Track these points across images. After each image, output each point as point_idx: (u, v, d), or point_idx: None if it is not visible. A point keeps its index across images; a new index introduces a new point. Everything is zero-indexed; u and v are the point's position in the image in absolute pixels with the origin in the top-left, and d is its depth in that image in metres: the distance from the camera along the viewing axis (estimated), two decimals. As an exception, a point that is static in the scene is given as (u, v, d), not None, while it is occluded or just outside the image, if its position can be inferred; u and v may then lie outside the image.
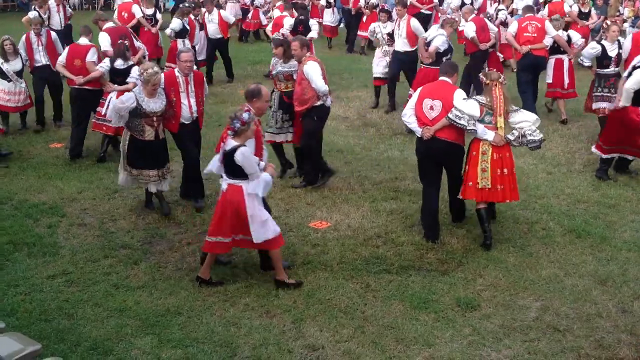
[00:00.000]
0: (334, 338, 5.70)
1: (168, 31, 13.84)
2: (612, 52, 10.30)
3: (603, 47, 10.33)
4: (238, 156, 6.12)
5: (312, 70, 8.48)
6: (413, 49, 12.22)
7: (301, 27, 14.21)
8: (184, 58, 8.07)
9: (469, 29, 12.66)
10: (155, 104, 7.76)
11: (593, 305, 6.14)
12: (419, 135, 7.38)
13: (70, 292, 6.44)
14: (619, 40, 10.37)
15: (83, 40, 10.61)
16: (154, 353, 5.52)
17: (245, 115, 6.21)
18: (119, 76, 10.05)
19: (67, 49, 10.69)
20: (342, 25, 20.54)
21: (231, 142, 6.22)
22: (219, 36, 15.00)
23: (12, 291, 6.44)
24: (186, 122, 8.13)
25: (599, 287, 6.45)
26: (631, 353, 5.46)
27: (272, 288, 6.47)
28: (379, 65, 12.82)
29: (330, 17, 19.64)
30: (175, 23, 13.88)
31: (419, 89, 7.72)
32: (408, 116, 7.50)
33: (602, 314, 6.02)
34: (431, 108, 7.28)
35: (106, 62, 10.15)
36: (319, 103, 8.64)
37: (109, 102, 9.68)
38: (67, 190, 8.88)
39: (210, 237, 6.39)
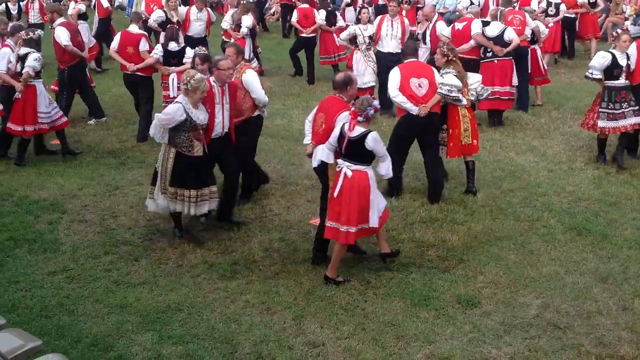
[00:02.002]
0: (335, 335, 5.70)
1: (244, 29, 13.28)
2: (622, 61, 9.27)
3: (613, 55, 9.27)
4: (370, 141, 6.27)
5: (252, 80, 7.87)
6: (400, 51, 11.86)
7: (333, 18, 14.16)
8: (225, 66, 7.23)
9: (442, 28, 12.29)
10: (202, 115, 7.03)
11: (594, 303, 6.14)
12: (415, 113, 8.01)
13: (71, 289, 6.44)
14: (627, 53, 9.32)
15: (134, 28, 10.91)
16: (155, 349, 5.52)
17: (376, 103, 6.44)
18: (173, 58, 10.55)
19: (118, 35, 10.92)
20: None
21: (359, 129, 6.31)
22: (204, 35, 14.07)
23: (12, 287, 6.44)
24: (214, 138, 7.34)
25: (599, 285, 6.44)
26: (632, 351, 5.45)
27: (272, 285, 6.48)
28: (365, 74, 11.84)
29: (352, 15, 19.07)
30: (249, 21, 13.39)
31: (397, 69, 8.27)
32: (401, 97, 8.09)
33: (602, 311, 6.01)
34: (419, 86, 8.07)
35: (159, 49, 10.58)
36: (256, 114, 8.09)
37: (172, 84, 10.18)
38: (67, 187, 8.88)
39: (331, 222, 6.41)
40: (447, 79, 8.13)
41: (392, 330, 5.77)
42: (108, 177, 9.24)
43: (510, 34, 11.27)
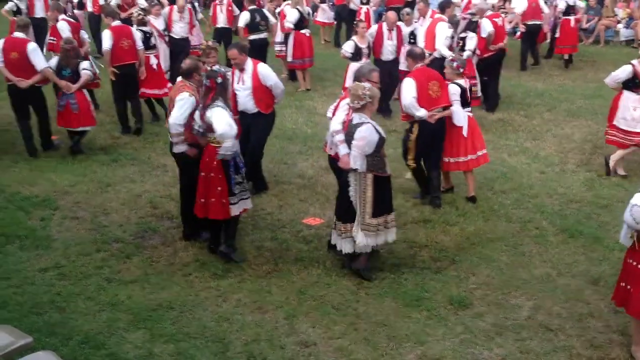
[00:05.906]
0: (326, 335, 5.70)
1: (288, 24, 13.29)
2: None
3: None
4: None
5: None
6: None
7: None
8: (377, 78, 6.79)
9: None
10: (381, 128, 6.43)
11: (585, 305, 6.16)
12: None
13: (62, 286, 6.42)
14: None
15: (117, 23, 11.08)
16: (146, 347, 5.50)
17: None
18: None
19: (109, 32, 10.84)
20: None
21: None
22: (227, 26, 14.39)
23: (3, 284, 6.41)
24: None
25: (591, 287, 6.47)
26: (622, 353, 5.48)
27: (264, 284, 6.47)
28: None
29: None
30: (293, 15, 13.30)
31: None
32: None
33: (593, 313, 6.04)
34: None
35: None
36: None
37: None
38: (59, 183, 8.85)
39: (456, 158, 8.18)
40: None
41: (384, 330, 5.77)
42: (100, 174, 9.21)
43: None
